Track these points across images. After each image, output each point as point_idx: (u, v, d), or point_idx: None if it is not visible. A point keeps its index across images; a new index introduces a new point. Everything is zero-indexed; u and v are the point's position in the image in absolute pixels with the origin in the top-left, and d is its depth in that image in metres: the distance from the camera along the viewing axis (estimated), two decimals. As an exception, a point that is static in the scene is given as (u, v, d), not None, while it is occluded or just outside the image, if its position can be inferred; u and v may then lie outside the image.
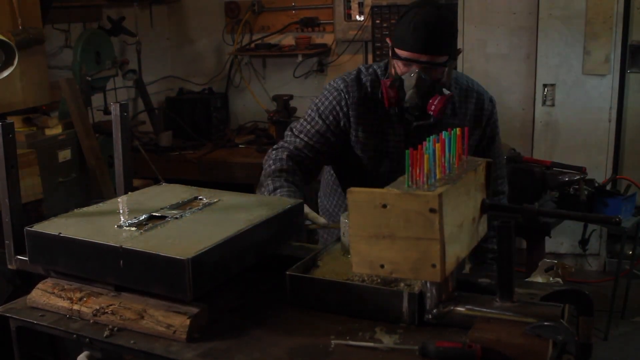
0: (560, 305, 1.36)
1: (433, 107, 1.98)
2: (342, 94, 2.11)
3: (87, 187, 3.68)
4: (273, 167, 2.08)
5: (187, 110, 4.90)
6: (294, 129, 2.17)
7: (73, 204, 2.82)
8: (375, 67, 2.16)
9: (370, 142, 2.12)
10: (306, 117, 2.17)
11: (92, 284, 1.56)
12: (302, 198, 1.91)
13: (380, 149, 2.13)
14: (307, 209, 1.89)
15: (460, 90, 2.12)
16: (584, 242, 4.15)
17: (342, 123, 2.12)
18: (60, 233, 1.55)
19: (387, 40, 2.05)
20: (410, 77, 1.95)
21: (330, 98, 2.14)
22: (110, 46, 4.08)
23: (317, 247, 1.81)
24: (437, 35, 1.92)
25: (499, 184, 2.24)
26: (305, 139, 2.13)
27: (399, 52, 1.96)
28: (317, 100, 2.17)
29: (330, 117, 2.12)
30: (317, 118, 2.14)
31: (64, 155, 3.54)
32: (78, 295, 1.55)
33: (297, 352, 1.35)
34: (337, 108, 2.11)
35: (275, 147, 2.19)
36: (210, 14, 5.24)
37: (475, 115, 2.14)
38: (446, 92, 1.99)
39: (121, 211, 1.75)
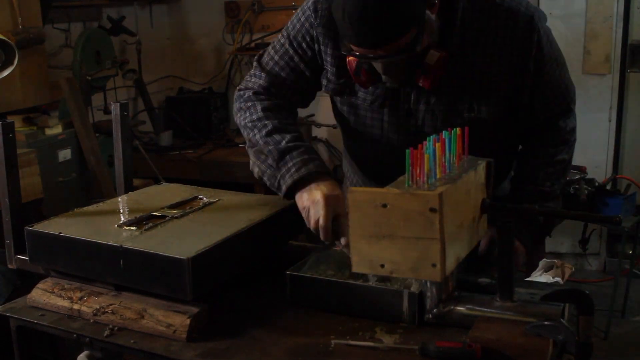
0: (560, 305, 1.36)
1: (421, 82, 1.58)
2: (310, 12, 1.69)
3: (87, 186, 3.68)
4: (260, 117, 1.69)
5: (187, 109, 4.89)
6: (262, 61, 1.77)
7: (73, 203, 2.81)
8: None
9: (342, 82, 1.67)
10: (275, 44, 1.76)
11: (92, 284, 1.56)
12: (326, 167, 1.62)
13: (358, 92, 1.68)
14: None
15: (481, 11, 1.59)
16: (584, 242, 4.15)
17: (316, 47, 1.70)
18: (60, 233, 1.55)
19: None
20: (377, 64, 1.53)
21: (302, 19, 1.71)
22: (110, 46, 4.08)
23: (318, 246, 1.81)
24: (383, 21, 1.39)
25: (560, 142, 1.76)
26: (274, 71, 1.73)
27: (346, 44, 1.48)
28: (288, 24, 1.75)
29: (303, 44, 1.71)
30: (287, 45, 1.72)
31: (64, 154, 3.54)
32: (78, 294, 1.55)
33: (297, 352, 1.35)
34: (307, 29, 1.69)
35: (240, 87, 1.81)
36: (210, 13, 5.23)
37: (504, 43, 1.60)
38: (434, 55, 1.53)
39: (121, 211, 1.75)
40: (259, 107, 1.71)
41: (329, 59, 1.70)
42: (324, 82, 1.75)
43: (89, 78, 3.80)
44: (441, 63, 1.55)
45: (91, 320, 1.50)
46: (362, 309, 1.47)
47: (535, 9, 1.65)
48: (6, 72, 3.02)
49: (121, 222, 1.61)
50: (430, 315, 1.42)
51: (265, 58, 1.78)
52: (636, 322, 3.81)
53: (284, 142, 1.64)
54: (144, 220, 1.64)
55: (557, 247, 4.46)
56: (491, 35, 1.60)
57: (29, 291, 1.61)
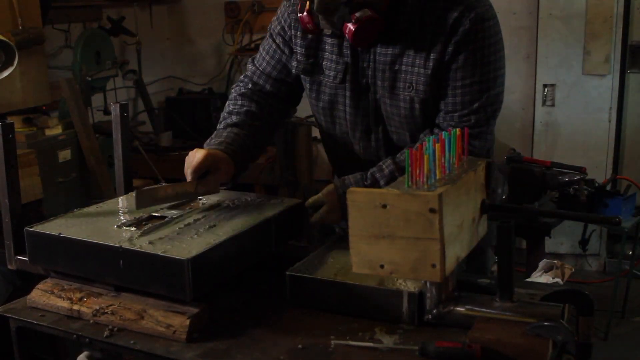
0: (560, 305, 1.36)
1: (346, 32, 1.66)
2: (284, 5, 1.87)
3: (87, 187, 3.69)
4: (226, 115, 1.97)
5: (187, 110, 4.90)
6: (255, 57, 1.97)
7: (73, 204, 2.82)
8: None
9: (310, 61, 1.82)
10: (263, 43, 1.96)
11: (92, 284, 1.56)
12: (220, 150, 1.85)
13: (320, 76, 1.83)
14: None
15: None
16: (584, 243, 4.15)
17: (288, 33, 1.86)
18: (60, 233, 1.55)
19: None
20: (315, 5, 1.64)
21: (279, 14, 1.90)
22: (110, 46, 4.08)
23: (318, 247, 1.81)
24: None
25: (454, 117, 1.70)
26: (261, 68, 1.93)
27: None
28: (270, 23, 1.94)
29: (279, 37, 1.88)
30: (269, 40, 1.90)
31: (64, 155, 3.54)
32: (78, 295, 1.55)
33: (297, 352, 1.35)
34: (282, 21, 1.87)
35: (237, 83, 2.01)
36: (210, 14, 5.24)
37: (438, 24, 1.66)
38: (365, 12, 1.63)
39: (121, 211, 1.74)
40: (232, 108, 1.96)
41: (298, 41, 1.85)
42: (294, 63, 1.87)
43: (89, 79, 3.81)
44: (369, 22, 1.63)
45: (91, 321, 1.50)
46: (362, 309, 1.47)
47: (482, 4, 1.67)
48: (6, 73, 3.03)
49: (121, 222, 1.61)
50: (430, 316, 1.42)
51: (257, 55, 1.97)
52: (636, 323, 3.82)
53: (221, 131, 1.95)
54: (143, 221, 1.64)
55: (557, 248, 4.47)
56: (431, 16, 1.67)
57: (28, 292, 1.61)
